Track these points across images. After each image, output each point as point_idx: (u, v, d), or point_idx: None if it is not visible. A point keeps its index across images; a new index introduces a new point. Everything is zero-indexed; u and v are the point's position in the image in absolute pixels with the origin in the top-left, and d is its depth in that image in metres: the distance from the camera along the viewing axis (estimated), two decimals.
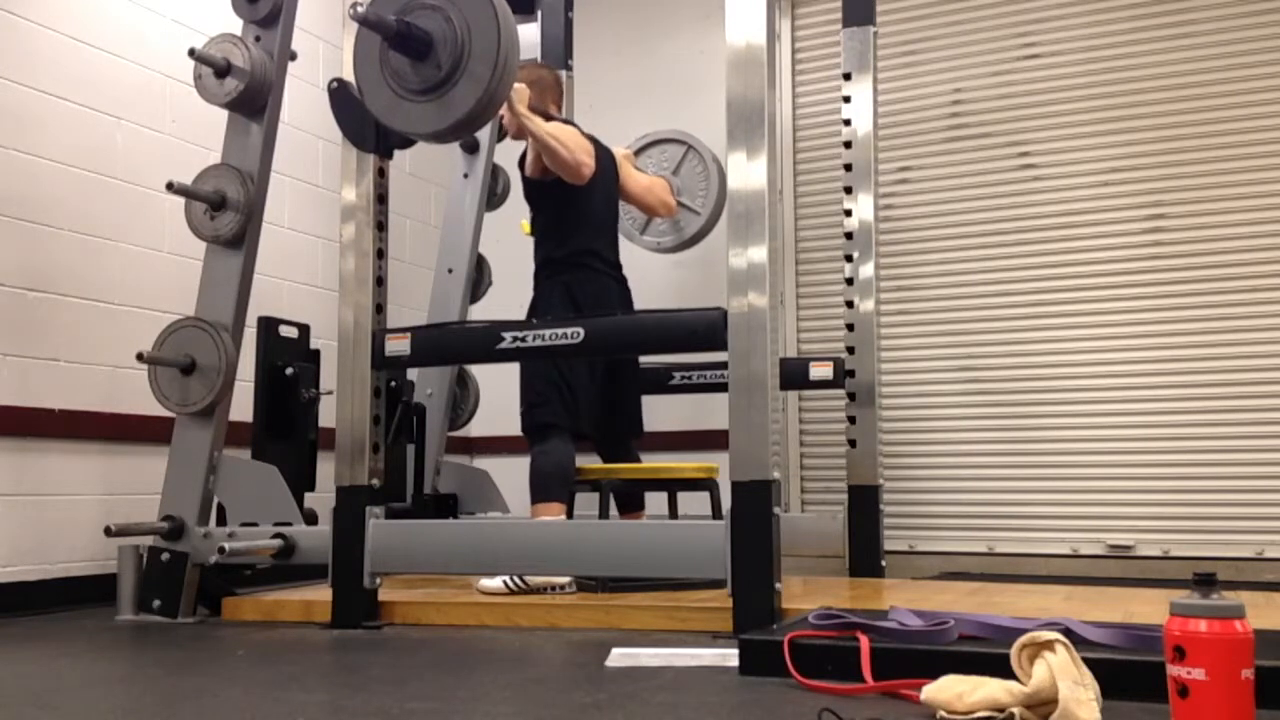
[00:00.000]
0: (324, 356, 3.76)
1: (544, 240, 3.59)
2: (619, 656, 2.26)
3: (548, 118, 3.53)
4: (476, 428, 4.83)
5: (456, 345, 3.25)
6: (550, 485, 3.32)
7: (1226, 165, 4.14)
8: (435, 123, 2.74)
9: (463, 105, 2.68)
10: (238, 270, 3.31)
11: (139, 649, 2.75)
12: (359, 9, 2.67)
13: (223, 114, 3.41)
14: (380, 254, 3.10)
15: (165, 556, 3.19)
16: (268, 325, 3.68)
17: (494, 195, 4.59)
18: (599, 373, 3.50)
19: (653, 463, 3.71)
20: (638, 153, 4.37)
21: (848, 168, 3.99)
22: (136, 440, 3.67)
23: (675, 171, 4.42)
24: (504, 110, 3.31)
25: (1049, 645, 1.67)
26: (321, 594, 3.06)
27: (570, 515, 3.37)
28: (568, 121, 3.69)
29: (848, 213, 3.98)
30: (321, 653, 2.61)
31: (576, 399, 3.43)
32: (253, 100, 3.34)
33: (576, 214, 3.53)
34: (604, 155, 3.63)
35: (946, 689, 1.72)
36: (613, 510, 3.49)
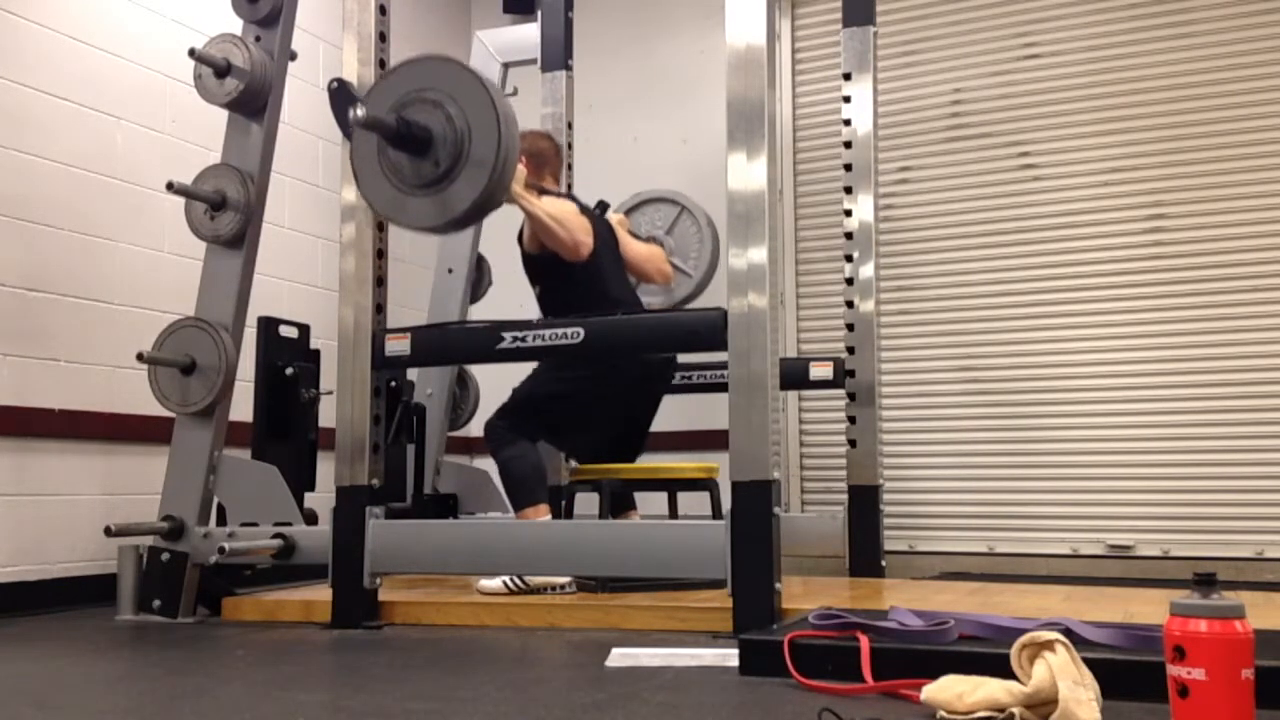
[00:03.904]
0: (324, 356, 3.76)
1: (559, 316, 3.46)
2: (619, 656, 2.26)
3: (544, 192, 3.44)
4: (476, 428, 4.82)
5: (456, 345, 3.25)
6: (533, 489, 3.28)
7: (1226, 165, 4.14)
8: (433, 219, 2.78)
9: (460, 203, 2.72)
10: (238, 270, 3.31)
11: (139, 649, 2.75)
12: (359, 113, 2.66)
13: (223, 114, 3.41)
14: (380, 254, 3.10)
15: (165, 556, 3.19)
16: (268, 325, 3.68)
17: None
18: (618, 418, 3.43)
19: (653, 463, 3.71)
20: (630, 210, 4.35)
21: (848, 168, 4.00)
22: (136, 440, 3.67)
23: (669, 232, 4.41)
24: None
25: (1049, 645, 1.67)
26: (321, 594, 3.06)
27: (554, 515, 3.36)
28: (565, 194, 3.56)
29: (848, 213, 3.98)
30: (321, 653, 2.61)
31: (575, 435, 3.39)
32: (253, 100, 3.34)
33: (587, 290, 3.37)
34: (601, 226, 3.52)
35: (946, 689, 1.72)
36: None
